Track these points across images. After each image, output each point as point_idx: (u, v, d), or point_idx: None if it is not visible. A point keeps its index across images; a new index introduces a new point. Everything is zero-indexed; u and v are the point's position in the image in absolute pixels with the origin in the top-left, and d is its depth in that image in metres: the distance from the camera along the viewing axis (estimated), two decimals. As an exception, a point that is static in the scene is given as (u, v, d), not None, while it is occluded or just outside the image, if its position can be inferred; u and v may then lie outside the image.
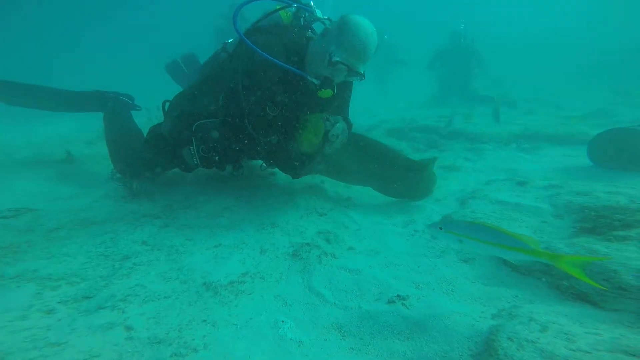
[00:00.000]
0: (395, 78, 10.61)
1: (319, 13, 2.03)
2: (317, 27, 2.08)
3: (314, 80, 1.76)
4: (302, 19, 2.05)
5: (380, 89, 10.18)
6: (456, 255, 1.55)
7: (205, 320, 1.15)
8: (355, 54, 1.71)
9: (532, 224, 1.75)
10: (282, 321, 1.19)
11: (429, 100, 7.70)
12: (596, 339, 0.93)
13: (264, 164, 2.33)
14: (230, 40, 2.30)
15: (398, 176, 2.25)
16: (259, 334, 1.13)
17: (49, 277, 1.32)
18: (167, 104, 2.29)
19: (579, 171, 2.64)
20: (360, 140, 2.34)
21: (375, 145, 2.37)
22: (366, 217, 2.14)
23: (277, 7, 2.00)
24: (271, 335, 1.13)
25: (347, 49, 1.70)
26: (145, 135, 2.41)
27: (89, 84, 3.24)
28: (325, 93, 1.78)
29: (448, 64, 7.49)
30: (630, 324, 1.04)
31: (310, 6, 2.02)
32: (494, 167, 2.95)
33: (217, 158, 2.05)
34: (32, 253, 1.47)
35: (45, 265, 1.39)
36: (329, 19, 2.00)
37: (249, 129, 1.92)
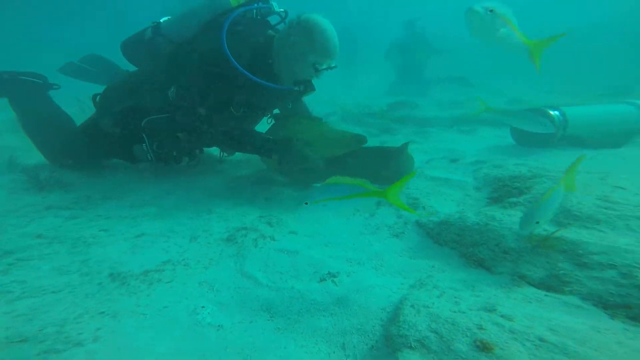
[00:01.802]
0: (359, 68, 10.30)
1: (275, 6, 2.03)
2: (272, 19, 2.09)
3: (297, 88, 1.89)
4: (254, 11, 1.99)
5: (346, 80, 9.79)
6: (388, 230, 1.54)
7: (102, 312, 0.98)
8: (332, 55, 1.87)
9: (457, 197, 1.82)
10: (203, 307, 1.06)
11: (389, 89, 7.71)
12: (475, 300, 0.97)
13: (224, 153, 2.28)
14: (164, 19, 2.06)
15: (382, 165, 2.09)
16: (172, 322, 0.99)
17: None
18: (98, 97, 2.09)
19: (503, 149, 2.82)
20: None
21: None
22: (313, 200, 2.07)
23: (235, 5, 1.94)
24: (187, 321, 1.00)
25: (325, 53, 1.84)
26: (79, 127, 2.17)
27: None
28: (308, 93, 1.98)
29: (402, 53, 7.62)
30: (504, 285, 1.08)
31: (268, 2, 2.03)
32: (436, 148, 3.07)
33: (174, 153, 2.03)
34: None
35: None
36: (285, 11, 2.04)
37: (206, 126, 1.90)
